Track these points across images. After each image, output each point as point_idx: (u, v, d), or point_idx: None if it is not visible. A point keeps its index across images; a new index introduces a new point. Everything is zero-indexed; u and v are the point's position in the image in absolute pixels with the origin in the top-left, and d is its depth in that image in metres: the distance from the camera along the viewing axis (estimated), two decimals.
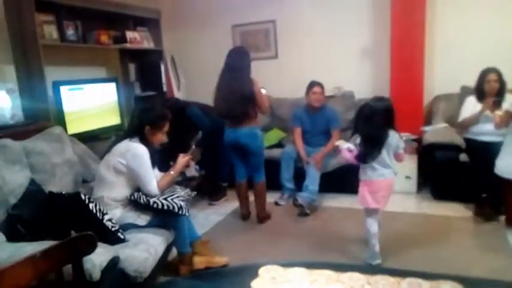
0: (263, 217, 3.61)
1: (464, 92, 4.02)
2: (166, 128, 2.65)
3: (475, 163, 3.54)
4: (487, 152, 3.43)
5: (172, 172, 2.67)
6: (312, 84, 4.04)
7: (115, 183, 2.50)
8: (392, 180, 2.70)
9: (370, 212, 2.71)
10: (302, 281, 1.22)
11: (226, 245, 3.15)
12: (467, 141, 3.69)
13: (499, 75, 3.54)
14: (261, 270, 1.29)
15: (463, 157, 3.66)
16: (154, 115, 2.61)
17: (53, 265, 1.21)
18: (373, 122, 2.58)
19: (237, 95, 3.24)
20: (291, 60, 4.97)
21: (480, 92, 3.61)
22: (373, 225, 2.71)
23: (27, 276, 1.13)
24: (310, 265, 1.29)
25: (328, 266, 1.28)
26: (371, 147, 2.61)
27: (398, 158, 2.71)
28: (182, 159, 2.74)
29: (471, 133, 3.68)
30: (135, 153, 2.48)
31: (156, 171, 2.70)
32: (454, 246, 2.94)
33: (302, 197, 3.71)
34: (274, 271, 1.29)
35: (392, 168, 2.66)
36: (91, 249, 1.32)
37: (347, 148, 2.73)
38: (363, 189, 2.71)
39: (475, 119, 3.59)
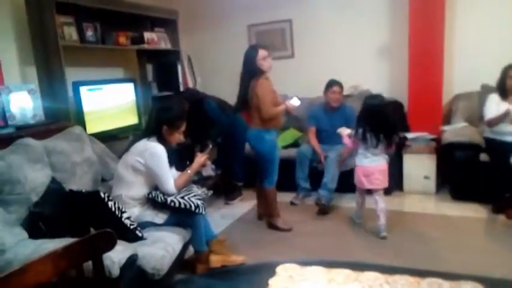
0: (268, 222, 3.52)
1: (485, 90, 3.95)
2: (183, 127, 2.67)
3: (496, 163, 3.47)
4: (509, 151, 3.37)
5: (189, 171, 2.69)
6: (331, 83, 4.01)
7: (133, 182, 2.54)
8: (384, 166, 3.18)
9: (361, 191, 3.34)
10: (320, 280, 1.22)
11: (242, 244, 3.15)
12: (488, 140, 3.62)
13: None
14: (279, 269, 1.29)
15: (483, 157, 3.59)
16: (171, 115, 2.63)
17: (74, 261, 1.23)
18: (386, 120, 3.13)
19: (241, 96, 3.27)
20: (307, 59, 4.95)
21: (503, 89, 3.54)
22: (358, 198, 3.39)
23: (48, 272, 1.15)
24: (328, 264, 1.29)
25: (347, 265, 1.26)
26: (377, 139, 3.10)
27: (388, 149, 3.19)
28: (199, 158, 2.76)
29: (493, 132, 3.60)
30: (153, 152, 2.51)
31: (174, 170, 2.72)
32: (473, 247, 2.89)
33: (323, 196, 3.71)
34: (292, 270, 1.28)
35: (382, 156, 3.16)
36: (110, 246, 1.33)
37: (347, 134, 3.23)
38: (358, 173, 3.24)
39: (504, 117, 3.49)
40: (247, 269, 1.51)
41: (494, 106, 3.56)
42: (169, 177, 2.55)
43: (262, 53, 3.18)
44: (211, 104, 4.11)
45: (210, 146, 3.08)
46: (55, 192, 2.29)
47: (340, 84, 4.00)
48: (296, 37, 4.98)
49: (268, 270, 1.28)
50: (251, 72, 3.19)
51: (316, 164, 4.03)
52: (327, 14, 4.75)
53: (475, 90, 4.11)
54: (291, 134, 4.59)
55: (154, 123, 2.63)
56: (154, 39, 4.30)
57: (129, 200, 2.52)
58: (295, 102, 3.25)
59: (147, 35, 4.19)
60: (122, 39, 3.90)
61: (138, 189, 2.55)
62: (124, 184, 2.54)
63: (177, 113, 2.67)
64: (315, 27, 4.85)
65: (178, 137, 2.67)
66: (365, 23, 4.62)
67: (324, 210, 3.68)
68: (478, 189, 3.66)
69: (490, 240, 3.00)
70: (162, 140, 2.59)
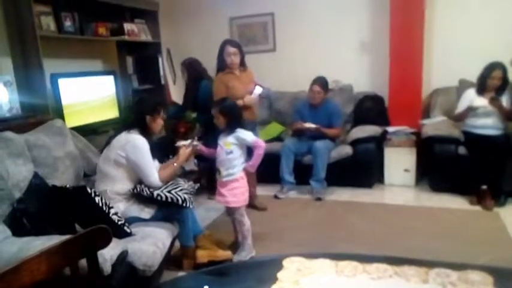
0: None
1: (463, 85, 4.05)
2: (163, 112, 2.65)
3: (474, 156, 3.57)
4: (486, 145, 3.47)
5: (175, 164, 2.64)
6: (314, 81, 3.99)
7: (117, 177, 2.47)
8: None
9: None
10: (328, 272, 1.21)
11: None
12: (466, 134, 3.72)
13: (505, 73, 3.55)
14: (285, 262, 1.28)
15: (462, 150, 3.68)
16: (152, 103, 2.63)
17: (69, 259, 1.18)
18: None
19: None
20: (289, 53, 4.94)
21: (482, 85, 3.63)
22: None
23: (43, 270, 1.10)
24: (334, 256, 1.28)
25: (353, 257, 1.26)
26: None
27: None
28: (185, 150, 2.72)
29: (470, 126, 3.70)
30: (135, 144, 2.46)
31: (157, 162, 2.67)
32: (455, 237, 2.96)
33: (316, 190, 3.90)
34: (299, 262, 1.27)
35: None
36: (106, 242, 1.29)
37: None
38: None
39: (469, 113, 3.63)
40: (253, 264, 1.48)
41: (466, 102, 3.67)
42: (153, 169, 2.50)
43: (228, 49, 3.35)
44: (208, 87, 3.83)
45: (195, 138, 3.04)
46: (38, 187, 2.19)
47: (321, 83, 3.96)
48: (278, 31, 4.96)
49: (275, 264, 1.26)
50: (219, 64, 3.42)
51: (300, 158, 4.07)
52: (309, 8, 4.74)
53: (453, 85, 4.21)
54: (274, 128, 4.58)
55: (137, 116, 2.58)
56: (135, 30, 4.19)
57: (114, 195, 2.45)
58: (257, 90, 3.42)
59: (127, 26, 4.07)
60: (101, 30, 3.77)
61: (123, 183, 2.49)
62: (108, 179, 2.48)
63: (155, 100, 2.72)
64: (297, 21, 4.84)
65: (160, 122, 2.65)
66: (347, 18, 4.64)
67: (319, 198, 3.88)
68: (456, 182, 3.76)
69: (470, 230, 3.08)
70: (143, 132, 2.54)
